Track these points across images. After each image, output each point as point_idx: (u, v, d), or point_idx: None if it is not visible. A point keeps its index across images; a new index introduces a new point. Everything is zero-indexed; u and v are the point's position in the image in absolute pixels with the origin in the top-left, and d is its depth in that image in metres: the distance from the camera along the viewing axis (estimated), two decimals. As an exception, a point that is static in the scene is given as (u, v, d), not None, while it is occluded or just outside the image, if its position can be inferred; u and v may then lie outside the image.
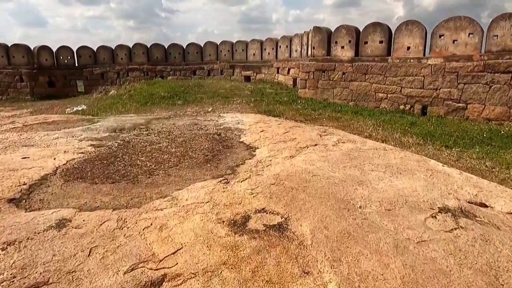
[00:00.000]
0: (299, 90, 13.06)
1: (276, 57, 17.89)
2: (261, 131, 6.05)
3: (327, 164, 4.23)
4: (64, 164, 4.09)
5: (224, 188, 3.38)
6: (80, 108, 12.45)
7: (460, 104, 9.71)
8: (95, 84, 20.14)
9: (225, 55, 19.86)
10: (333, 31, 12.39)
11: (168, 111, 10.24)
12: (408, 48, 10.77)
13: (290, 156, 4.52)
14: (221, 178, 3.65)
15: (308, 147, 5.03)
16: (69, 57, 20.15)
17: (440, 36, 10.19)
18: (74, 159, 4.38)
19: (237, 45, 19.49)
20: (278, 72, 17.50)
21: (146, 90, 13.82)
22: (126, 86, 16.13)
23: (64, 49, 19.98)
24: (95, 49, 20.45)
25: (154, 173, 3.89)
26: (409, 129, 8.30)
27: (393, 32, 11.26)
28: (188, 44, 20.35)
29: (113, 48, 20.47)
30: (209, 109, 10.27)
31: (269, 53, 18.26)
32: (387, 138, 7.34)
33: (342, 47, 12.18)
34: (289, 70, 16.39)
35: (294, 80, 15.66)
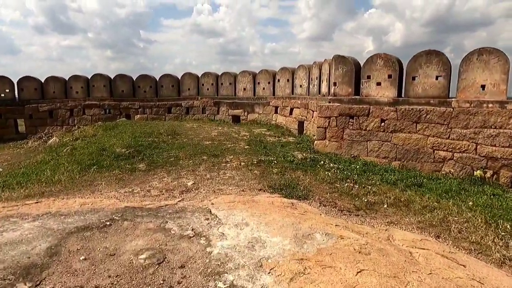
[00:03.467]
0: (316, 142, 9.36)
1: (274, 93, 14.34)
2: None
3: None
4: None
5: None
6: (-12, 172, 8.13)
7: None
8: (41, 124, 15.79)
9: (208, 89, 16.15)
10: (364, 62, 8.95)
11: (119, 187, 6.16)
12: (483, 87, 7.41)
13: None
14: None
15: None
16: (7, 90, 15.82)
17: (533, 71, 6.89)
18: None
19: (224, 77, 15.88)
20: (276, 112, 13.89)
21: (99, 141, 9.71)
22: (74, 132, 11.96)
23: (0, 80, 15.65)
24: (42, 81, 16.26)
25: None
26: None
27: (452, 63, 7.96)
28: (162, 76, 16.56)
29: (67, 79, 16.34)
30: (189, 183, 6.29)
31: (264, 88, 14.70)
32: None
33: (378, 84, 8.72)
34: (291, 110, 12.81)
35: (300, 123, 12.06)
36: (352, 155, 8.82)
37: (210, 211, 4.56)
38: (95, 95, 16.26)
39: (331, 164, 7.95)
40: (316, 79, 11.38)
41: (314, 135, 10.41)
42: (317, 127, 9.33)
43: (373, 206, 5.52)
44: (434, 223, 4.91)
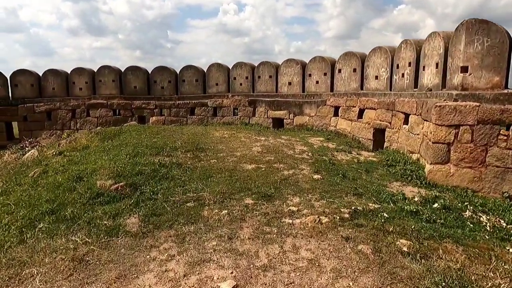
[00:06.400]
0: (430, 167, 5.57)
1: (332, 89, 10.59)
2: None
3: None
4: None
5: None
6: None
7: None
8: (38, 127, 12.90)
9: (241, 84, 12.63)
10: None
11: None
12: None
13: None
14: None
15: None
16: (-2, 87, 12.99)
17: None
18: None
19: (262, 69, 12.27)
20: (336, 114, 10.13)
21: (83, 160, 6.41)
22: (62, 141, 8.80)
23: (-12, 74, 12.86)
24: (40, 74, 13.34)
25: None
26: None
27: None
28: (184, 68, 13.18)
29: (68, 73, 13.33)
30: (224, 286, 2.76)
31: (317, 82, 10.96)
32: None
33: (560, 67, 4.82)
34: (361, 112, 9.05)
35: (378, 131, 8.28)
36: (506, 194, 4.99)
37: None
38: (102, 93, 13.13)
39: (488, 217, 4.18)
40: (409, 65, 7.55)
41: (412, 153, 6.63)
42: (433, 143, 5.54)
43: None
44: None
